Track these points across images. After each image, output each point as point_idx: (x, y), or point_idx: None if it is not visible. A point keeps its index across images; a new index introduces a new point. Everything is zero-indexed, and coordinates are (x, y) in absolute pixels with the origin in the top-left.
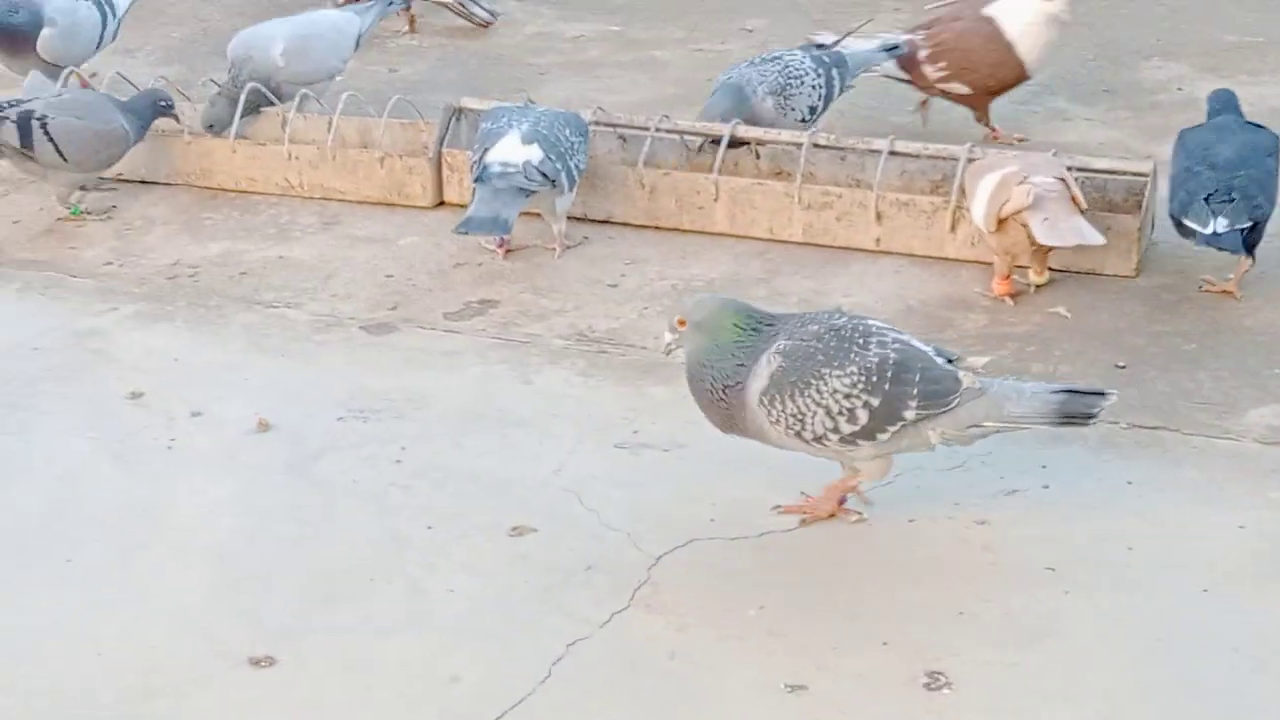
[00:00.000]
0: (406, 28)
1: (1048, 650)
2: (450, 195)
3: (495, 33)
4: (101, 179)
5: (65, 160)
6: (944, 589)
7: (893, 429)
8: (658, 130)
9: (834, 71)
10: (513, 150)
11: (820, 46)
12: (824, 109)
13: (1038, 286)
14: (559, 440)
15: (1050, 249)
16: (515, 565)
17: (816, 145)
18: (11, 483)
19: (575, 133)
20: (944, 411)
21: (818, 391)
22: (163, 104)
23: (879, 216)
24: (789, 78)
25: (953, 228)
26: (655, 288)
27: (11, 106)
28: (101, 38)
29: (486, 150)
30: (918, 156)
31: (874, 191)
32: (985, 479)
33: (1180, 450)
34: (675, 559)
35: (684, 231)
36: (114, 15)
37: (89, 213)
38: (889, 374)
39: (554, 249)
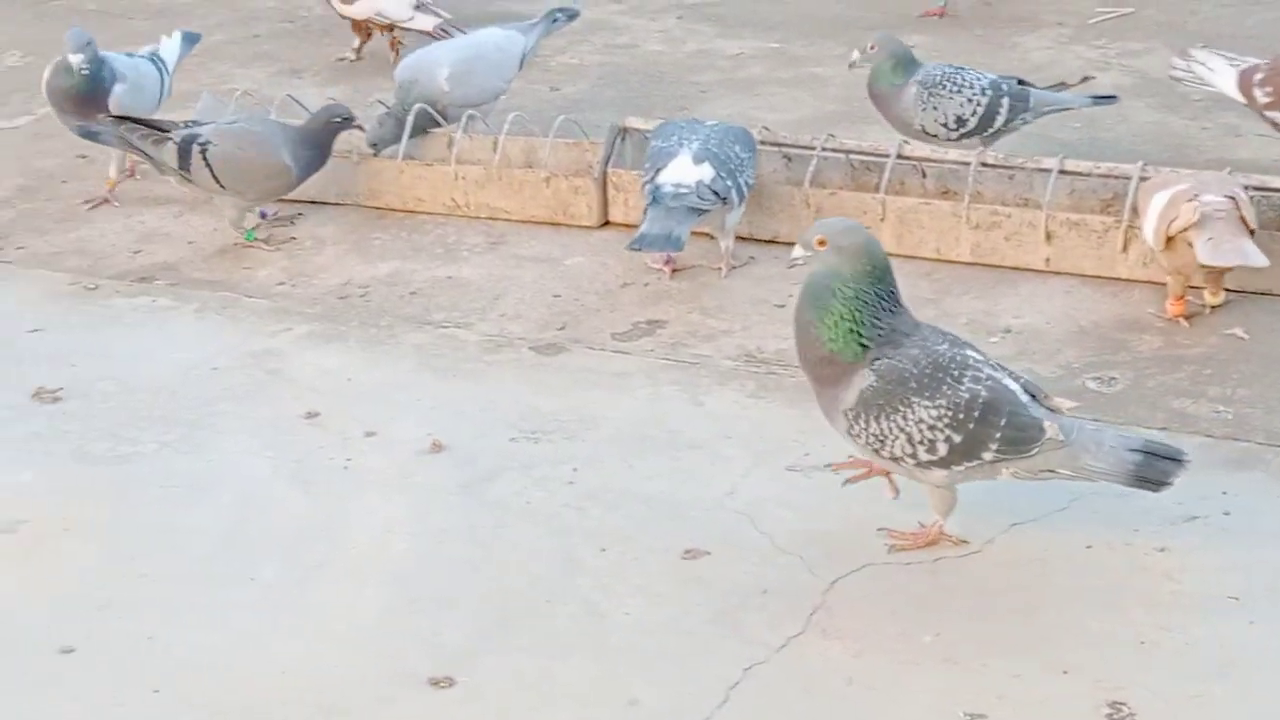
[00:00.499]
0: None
1: (1233, 682)
2: (615, 215)
3: (655, 50)
4: (280, 215)
5: (222, 187)
6: (1124, 617)
7: (969, 464)
8: (824, 150)
9: (1004, 100)
10: (685, 170)
11: (1021, 83)
12: (978, 130)
13: (1213, 308)
14: (730, 462)
15: (1225, 269)
16: (690, 588)
17: (984, 165)
18: (195, 501)
19: (745, 148)
20: (1023, 457)
21: (903, 418)
22: (337, 119)
23: (1049, 236)
24: (948, 80)
25: (1125, 247)
26: None
27: (185, 128)
28: (161, 93)
29: (659, 170)
30: (1088, 175)
31: (1044, 211)
32: (1164, 505)
33: None
34: (849, 583)
35: None
36: (167, 71)
37: (264, 242)
38: (976, 413)
39: (720, 268)
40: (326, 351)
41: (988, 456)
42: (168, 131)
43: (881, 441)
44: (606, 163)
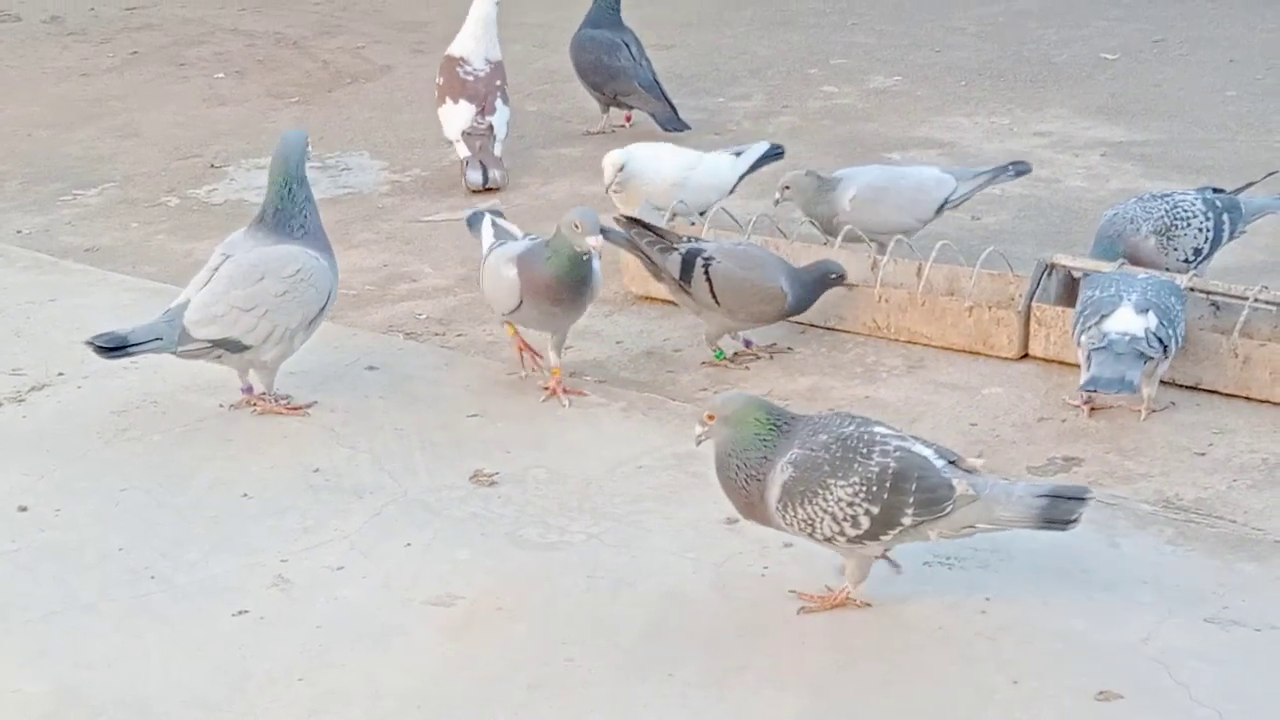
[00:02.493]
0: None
1: None
2: (1035, 349)
3: (1077, 186)
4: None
5: (717, 304)
6: None
7: (894, 532)
8: (1256, 300)
9: (1224, 216)
10: (1131, 319)
11: (1217, 190)
12: (1210, 253)
13: None
14: (1146, 608)
15: None
16: None
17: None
18: (619, 594)
19: (1178, 300)
20: (940, 517)
21: (824, 500)
22: (834, 275)
23: None
24: (1175, 218)
25: None
26: (1245, 460)
27: (689, 242)
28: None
29: (1104, 317)
30: None
31: None
32: None
33: None
34: None
35: (1276, 405)
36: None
37: (730, 362)
38: (888, 483)
39: (1139, 411)
40: None
41: (907, 521)
42: (675, 244)
43: (811, 525)
44: (1032, 296)
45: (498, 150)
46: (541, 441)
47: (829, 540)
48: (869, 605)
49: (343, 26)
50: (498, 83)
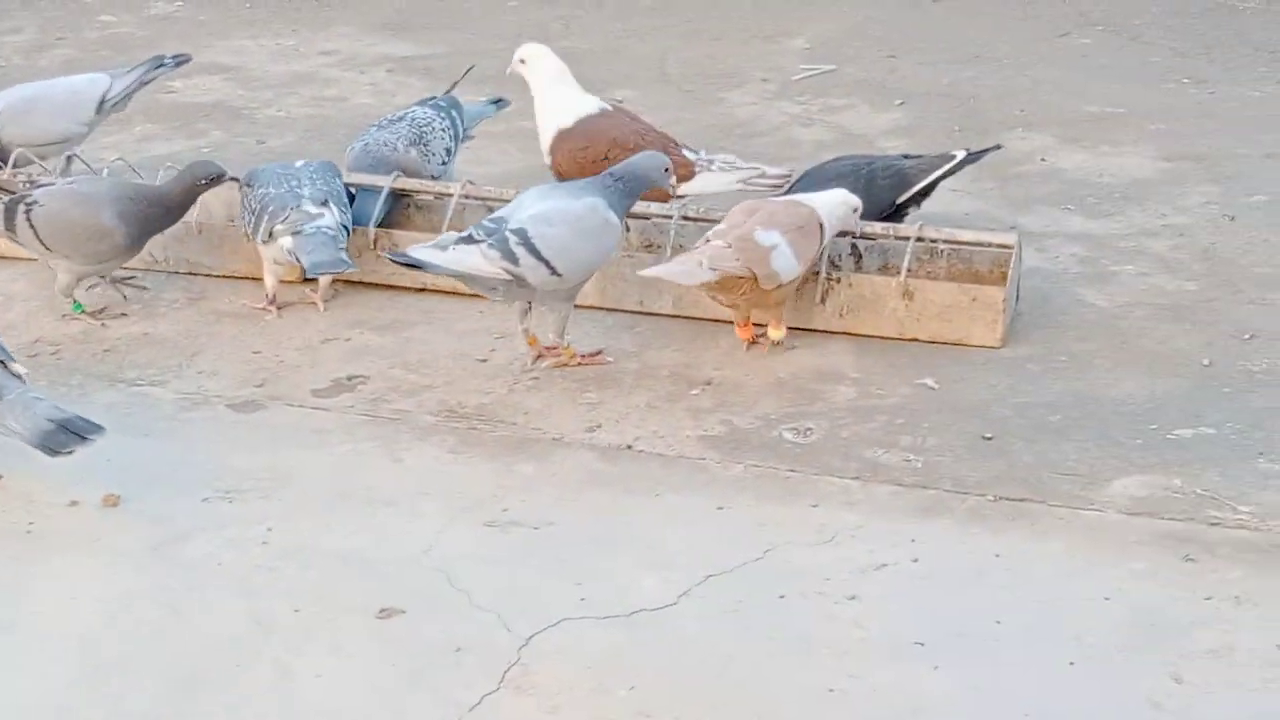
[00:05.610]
0: None
1: None
2: None
3: (364, 103)
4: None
5: (48, 249)
6: (814, 666)
7: None
8: (462, 197)
9: (453, 113)
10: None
11: (431, 98)
12: (456, 148)
13: (776, 343)
14: (428, 519)
15: (780, 304)
16: (384, 648)
17: (686, 219)
18: None
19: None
20: None
21: None
22: (204, 180)
23: None
24: (420, 129)
25: (822, 299)
26: (525, 362)
27: (33, 188)
28: None
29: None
30: None
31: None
32: (855, 553)
33: (1046, 522)
34: (546, 639)
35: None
36: None
37: (92, 316)
38: None
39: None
40: None
41: None
42: (13, 193)
43: None
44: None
45: None
46: None
47: None
48: None
49: None
50: None
